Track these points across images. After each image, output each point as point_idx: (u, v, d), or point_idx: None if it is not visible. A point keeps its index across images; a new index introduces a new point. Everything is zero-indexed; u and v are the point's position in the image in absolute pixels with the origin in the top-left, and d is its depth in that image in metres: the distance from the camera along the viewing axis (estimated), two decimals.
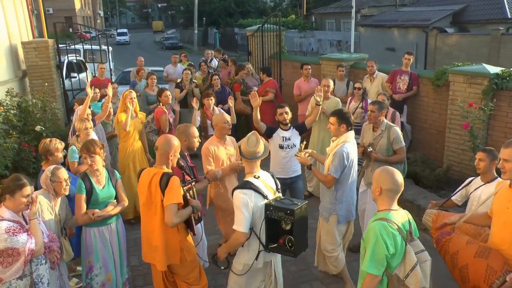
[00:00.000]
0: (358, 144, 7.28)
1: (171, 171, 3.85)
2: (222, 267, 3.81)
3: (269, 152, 4.25)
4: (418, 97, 8.18)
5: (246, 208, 3.50)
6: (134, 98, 6.47)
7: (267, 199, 3.57)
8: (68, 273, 4.95)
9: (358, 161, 5.90)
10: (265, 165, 5.84)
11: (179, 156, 4.01)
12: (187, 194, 3.91)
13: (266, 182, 3.69)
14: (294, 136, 5.66)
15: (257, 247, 3.66)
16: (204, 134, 7.39)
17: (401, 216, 3.10)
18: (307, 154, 4.91)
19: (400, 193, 3.10)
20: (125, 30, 56.82)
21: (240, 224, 3.52)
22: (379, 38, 23.76)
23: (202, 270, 4.24)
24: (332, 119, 4.73)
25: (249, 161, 3.72)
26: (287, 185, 5.72)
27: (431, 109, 7.98)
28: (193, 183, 4.25)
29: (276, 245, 3.59)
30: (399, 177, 3.09)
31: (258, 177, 3.67)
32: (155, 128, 7.23)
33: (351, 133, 4.75)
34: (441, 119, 7.76)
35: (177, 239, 3.87)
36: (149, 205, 3.82)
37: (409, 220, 3.16)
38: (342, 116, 4.69)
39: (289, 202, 3.58)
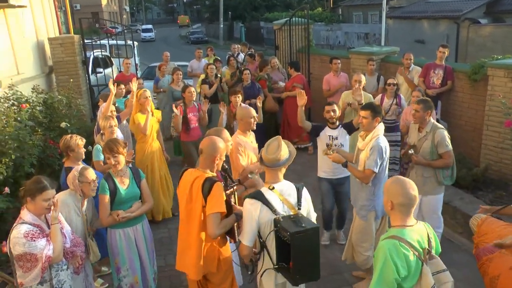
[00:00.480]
0: (395, 141, 7.11)
1: (215, 175, 3.60)
2: (249, 272, 3.57)
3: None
4: (453, 93, 7.80)
5: (250, 221, 3.24)
6: (149, 97, 6.32)
7: (277, 214, 3.19)
8: (93, 274, 4.89)
9: (392, 158, 5.69)
10: (314, 166, 5.71)
11: (224, 159, 3.76)
12: (230, 199, 3.67)
13: (282, 195, 3.28)
14: (342, 136, 5.45)
15: (268, 264, 3.33)
16: (230, 133, 7.18)
17: (417, 233, 2.80)
18: (335, 152, 4.72)
19: (414, 206, 2.80)
20: (150, 26, 54.26)
21: (244, 236, 3.30)
22: (408, 30, 23.13)
23: (235, 279, 4.03)
24: (365, 113, 4.54)
25: (270, 169, 3.34)
26: (334, 187, 5.59)
27: (467, 105, 7.61)
28: (235, 186, 3.97)
29: (281, 265, 3.23)
30: (412, 189, 2.77)
31: (273, 188, 3.28)
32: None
33: (382, 126, 4.59)
34: (478, 116, 7.39)
35: (215, 248, 3.66)
36: (189, 210, 3.59)
37: (428, 235, 2.86)
38: (375, 110, 4.54)
39: (296, 223, 3.10)
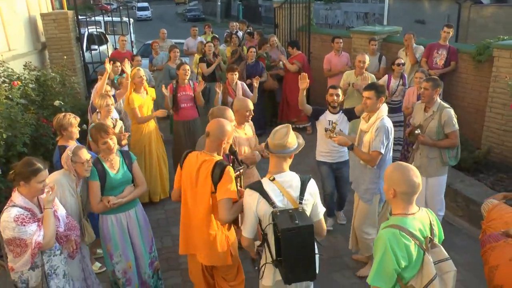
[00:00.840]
0: (398, 122, 6.97)
1: (222, 158, 3.47)
2: (255, 267, 3.42)
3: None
4: (456, 74, 7.64)
5: (249, 212, 3.09)
6: (143, 75, 6.16)
7: (274, 207, 2.99)
8: (90, 256, 4.79)
9: (396, 139, 5.57)
10: (313, 146, 5.67)
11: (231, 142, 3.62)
12: (237, 184, 3.53)
13: (283, 187, 3.03)
14: (342, 122, 5.33)
15: (268, 258, 3.16)
16: None
17: (419, 221, 2.69)
18: (338, 135, 4.56)
19: (417, 193, 2.67)
20: (146, 4, 50.86)
21: (244, 227, 3.16)
22: (408, 10, 22.80)
23: (241, 266, 3.94)
24: (369, 93, 4.39)
25: (275, 156, 3.09)
26: (333, 171, 5.50)
27: (470, 86, 7.46)
28: (242, 170, 3.81)
29: (279, 260, 3.04)
30: (416, 176, 2.64)
31: (273, 179, 3.04)
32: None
33: (385, 107, 4.46)
34: (481, 97, 7.25)
35: (222, 236, 3.56)
36: (194, 194, 3.47)
37: (431, 223, 2.74)
38: (378, 90, 4.39)
39: (291, 219, 2.90)
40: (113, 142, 3.92)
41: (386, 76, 7.13)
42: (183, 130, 6.63)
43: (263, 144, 4.44)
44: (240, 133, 4.73)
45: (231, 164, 3.68)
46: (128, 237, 4.05)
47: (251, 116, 4.76)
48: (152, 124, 6.34)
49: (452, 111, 4.92)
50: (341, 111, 5.38)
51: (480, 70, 7.21)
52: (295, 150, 3.11)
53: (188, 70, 6.61)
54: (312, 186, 3.10)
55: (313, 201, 3.09)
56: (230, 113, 4.17)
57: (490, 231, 3.46)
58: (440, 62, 7.52)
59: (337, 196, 5.76)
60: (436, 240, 2.76)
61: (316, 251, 3.11)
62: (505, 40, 6.90)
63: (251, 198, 3.05)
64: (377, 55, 8.28)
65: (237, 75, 7.01)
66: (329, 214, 5.71)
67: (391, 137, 4.40)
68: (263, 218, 3.04)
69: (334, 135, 4.52)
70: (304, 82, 5.15)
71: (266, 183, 3.05)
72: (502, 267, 3.07)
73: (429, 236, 2.68)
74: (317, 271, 3.15)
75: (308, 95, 9.77)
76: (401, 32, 9.36)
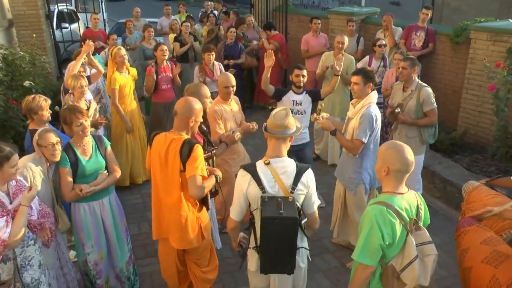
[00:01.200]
0: (380, 103, 6.94)
1: (190, 137, 3.42)
2: (241, 259, 3.29)
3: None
4: (433, 55, 7.66)
5: (238, 193, 3.00)
6: (125, 55, 5.95)
7: (264, 192, 2.89)
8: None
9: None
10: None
11: (202, 121, 3.56)
12: (208, 164, 3.51)
13: (277, 173, 2.92)
14: (305, 102, 5.28)
15: (253, 243, 3.10)
16: None
17: (407, 201, 2.69)
18: (324, 119, 4.45)
19: (408, 173, 2.67)
20: None
21: (232, 208, 3.07)
22: None
23: (214, 251, 3.89)
24: (357, 78, 4.29)
25: (274, 138, 2.98)
26: (294, 153, 5.34)
27: (448, 68, 7.49)
28: (214, 151, 3.80)
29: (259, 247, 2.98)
30: (410, 154, 2.65)
31: (268, 163, 2.94)
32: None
33: (375, 94, 4.35)
34: (457, 79, 7.30)
35: (193, 218, 3.47)
36: (164, 176, 3.38)
37: (418, 205, 2.75)
38: (367, 75, 4.28)
39: (277, 207, 2.80)
40: (87, 124, 3.73)
41: (367, 57, 7.08)
42: (164, 112, 6.57)
43: (253, 123, 4.34)
44: (226, 108, 4.70)
45: (208, 144, 3.70)
46: (101, 226, 3.89)
47: (233, 91, 4.72)
48: (134, 104, 6.18)
49: (430, 90, 5.00)
50: (305, 92, 5.32)
51: (457, 52, 7.23)
52: (295, 133, 3.02)
53: (166, 50, 6.53)
54: (308, 176, 2.98)
55: (307, 192, 2.97)
56: (205, 89, 4.14)
57: (469, 213, 3.47)
58: (418, 43, 7.53)
59: None
60: (421, 223, 2.76)
61: (303, 246, 3.07)
62: (481, 22, 6.91)
63: (243, 179, 2.97)
64: (355, 36, 8.23)
65: (214, 56, 6.86)
66: None
67: (376, 126, 4.26)
68: (252, 201, 2.97)
69: (320, 118, 4.44)
70: (270, 60, 5.01)
71: (260, 166, 2.96)
72: (472, 249, 3.09)
73: (414, 218, 2.68)
74: (303, 265, 3.11)
75: (284, 76, 9.68)
76: (378, 14, 9.30)
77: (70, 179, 3.65)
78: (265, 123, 3.04)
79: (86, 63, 5.93)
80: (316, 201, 3.05)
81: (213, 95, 6.86)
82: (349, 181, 4.46)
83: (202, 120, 3.56)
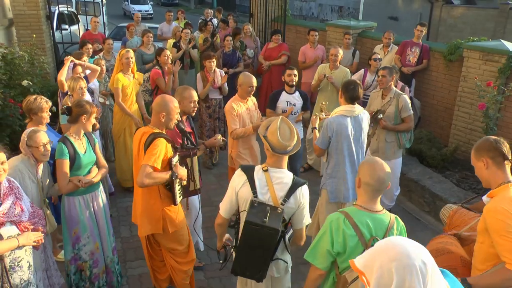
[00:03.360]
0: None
1: (162, 132, 3.59)
2: (220, 261, 3.32)
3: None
4: (427, 72, 7.77)
5: (231, 190, 3.06)
6: (132, 58, 6.03)
7: (255, 196, 2.93)
8: (54, 244, 4.66)
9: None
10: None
11: (179, 119, 3.73)
12: (175, 159, 3.61)
13: (272, 182, 2.94)
14: (298, 102, 5.68)
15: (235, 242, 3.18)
16: (204, 99, 6.95)
17: (373, 219, 2.63)
18: (321, 119, 4.69)
19: (382, 191, 2.67)
20: None
21: (222, 205, 3.14)
22: (382, 6, 23.01)
23: (192, 245, 4.02)
24: (340, 91, 4.53)
25: (274, 154, 2.99)
26: None
27: (441, 84, 7.60)
28: (195, 150, 3.92)
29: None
30: (382, 172, 2.61)
31: (266, 169, 2.98)
32: (150, 88, 6.87)
33: (350, 107, 4.41)
34: (450, 96, 7.41)
35: (159, 206, 3.65)
36: (137, 166, 3.61)
37: (390, 227, 2.64)
38: (344, 88, 4.43)
39: (263, 215, 2.82)
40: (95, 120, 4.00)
41: (362, 71, 7.19)
42: None
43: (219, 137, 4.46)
44: (242, 107, 5.06)
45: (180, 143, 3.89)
46: (94, 218, 4.02)
47: (253, 91, 5.07)
48: (134, 107, 6.23)
49: (407, 97, 5.36)
50: (297, 91, 5.71)
51: (451, 69, 7.35)
52: (296, 147, 3.04)
53: (169, 55, 6.76)
54: (303, 192, 2.99)
55: (298, 208, 2.99)
56: (191, 92, 4.22)
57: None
58: (413, 59, 7.63)
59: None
60: None
61: (282, 258, 3.12)
62: (475, 41, 7.03)
63: (238, 179, 3.04)
64: (351, 49, 8.32)
65: (215, 62, 6.95)
66: None
67: (332, 134, 4.35)
68: (241, 202, 3.02)
69: (323, 115, 4.70)
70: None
71: (257, 170, 3.01)
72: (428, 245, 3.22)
73: (376, 237, 2.61)
74: (277, 275, 3.16)
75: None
76: (376, 28, 9.43)
77: (68, 171, 3.74)
78: (268, 140, 2.99)
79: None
80: (306, 218, 3.06)
81: (214, 102, 6.97)
82: (321, 181, 4.70)
83: (179, 119, 3.75)
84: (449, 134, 7.28)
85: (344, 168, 4.45)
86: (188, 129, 4.24)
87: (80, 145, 3.87)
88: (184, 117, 4.30)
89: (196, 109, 4.30)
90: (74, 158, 3.78)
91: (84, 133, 3.96)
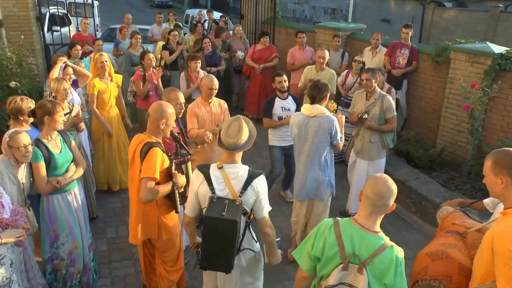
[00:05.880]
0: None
1: (158, 140, 3.56)
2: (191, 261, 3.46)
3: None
4: (416, 73, 7.81)
5: (191, 190, 3.17)
6: (107, 61, 5.99)
7: (213, 193, 3.03)
8: (39, 244, 4.64)
9: (347, 135, 5.76)
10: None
11: (174, 125, 3.70)
12: (173, 167, 3.60)
13: (228, 178, 3.05)
14: (292, 106, 5.75)
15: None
16: (187, 99, 6.96)
17: (362, 238, 2.50)
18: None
19: (381, 209, 2.52)
20: None
21: (187, 205, 3.23)
22: (374, 8, 23.16)
23: (181, 253, 3.99)
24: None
25: (225, 151, 3.11)
26: (284, 152, 5.90)
27: (429, 86, 7.65)
28: (188, 156, 3.89)
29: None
30: (384, 187, 2.48)
31: (221, 167, 3.08)
32: (135, 90, 6.83)
33: (307, 105, 4.54)
34: (437, 98, 7.45)
35: (155, 214, 3.62)
36: (131, 175, 3.60)
37: (377, 251, 2.48)
38: (311, 88, 4.56)
39: (221, 208, 2.92)
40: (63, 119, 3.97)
41: (345, 72, 7.24)
42: None
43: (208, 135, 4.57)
44: (204, 108, 5.02)
45: (175, 151, 3.84)
46: (75, 216, 4.05)
47: (213, 93, 5.02)
48: (114, 111, 6.16)
49: (391, 98, 5.43)
50: (289, 96, 5.80)
51: (438, 71, 7.39)
52: (248, 144, 3.13)
53: (152, 58, 6.68)
54: (259, 182, 3.08)
55: (256, 197, 3.07)
56: (176, 94, 4.24)
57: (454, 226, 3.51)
58: (402, 61, 7.65)
59: (285, 174, 6.21)
60: (368, 272, 2.49)
61: (249, 247, 3.20)
62: (462, 43, 7.09)
63: (196, 178, 3.13)
64: (340, 51, 8.35)
65: (200, 64, 7.01)
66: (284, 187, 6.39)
67: (290, 130, 4.70)
68: (202, 200, 3.11)
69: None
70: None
71: (213, 168, 3.11)
72: (428, 245, 3.23)
73: (359, 258, 2.49)
74: (247, 264, 3.23)
75: None
76: (365, 30, 9.47)
77: (45, 172, 3.77)
78: (218, 135, 3.11)
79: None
80: (266, 207, 3.15)
81: None
82: None
83: (174, 125, 3.70)
84: (437, 135, 7.33)
85: (300, 167, 4.68)
86: (176, 130, 4.27)
87: (54, 145, 3.88)
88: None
89: (182, 111, 4.33)
90: (50, 159, 3.80)
91: (58, 132, 3.97)
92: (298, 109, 5.75)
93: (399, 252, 2.54)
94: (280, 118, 5.67)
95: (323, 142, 4.47)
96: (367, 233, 2.52)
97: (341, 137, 4.56)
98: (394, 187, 2.53)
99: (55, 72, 5.58)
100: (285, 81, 5.66)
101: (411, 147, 6.97)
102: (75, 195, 4.06)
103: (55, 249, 3.96)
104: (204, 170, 3.10)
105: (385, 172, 5.87)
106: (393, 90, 6.48)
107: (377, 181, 2.52)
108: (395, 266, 2.49)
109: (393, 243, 2.55)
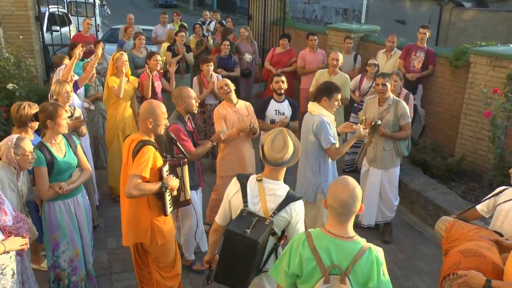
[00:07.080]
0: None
1: (150, 139, 3.65)
2: (204, 282, 3.39)
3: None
4: (432, 78, 7.77)
5: (226, 197, 3.18)
6: (126, 61, 6.09)
7: (245, 206, 3.01)
8: (38, 252, 4.70)
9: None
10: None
11: (167, 124, 3.82)
12: (166, 168, 3.68)
13: (264, 193, 3.00)
14: (288, 111, 5.71)
15: None
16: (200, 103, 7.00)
17: (337, 246, 2.49)
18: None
19: (348, 215, 2.51)
20: None
21: (219, 212, 3.25)
22: (388, 8, 23.12)
23: (178, 260, 4.05)
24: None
25: (268, 165, 3.05)
26: None
27: (447, 91, 7.61)
28: (185, 159, 3.96)
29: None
30: (347, 195, 2.46)
31: (261, 179, 3.05)
32: (140, 95, 6.85)
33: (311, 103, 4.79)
34: (456, 104, 7.40)
35: (148, 217, 3.68)
36: (124, 174, 3.67)
37: (357, 260, 2.46)
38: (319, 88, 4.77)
39: (247, 225, 2.88)
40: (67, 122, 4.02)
41: (359, 76, 7.22)
42: None
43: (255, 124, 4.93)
44: (230, 110, 5.18)
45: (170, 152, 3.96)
46: (76, 223, 4.07)
47: (229, 90, 5.18)
48: (128, 112, 6.27)
49: (405, 104, 5.43)
50: (286, 100, 5.76)
51: (457, 76, 7.34)
52: (293, 160, 3.08)
53: (159, 60, 6.75)
54: (296, 207, 3.00)
55: (290, 222, 3.01)
56: (188, 90, 4.47)
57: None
58: (417, 65, 7.56)
59: None
60: (350, 281, 2.47)
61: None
62: (482, 46, 7.05)
63: (233, 187, 3.15)
64: (353, 54, 8.30)
65: (213, 66, 7.07)
66: None
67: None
68: (233, 210, 3.11)
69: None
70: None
71: (251, 179, 3.10)
72: (460, 244, 3.23)
73: (340, 268, 2.47)
74: (270, 287, 3.19)
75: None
76: (379, 31, 9.46)
77: (47, 177, 3.81)
78: (263, 151, 3.05)
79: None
80: (300, 229, 3.06)
81: (209, 107, 7.01)
82: None
83: (168, 125, 3.83)
84: (455, 143, 7.28)
85: (300, 169, 4.84)
86: (190, 129, 4.55)
87: (58, 149, 3.91)
88: (187, 116, 4.56)
89: (197, 105, 4.55)
90: (53, 163, 3.83)
91: (63, 135, 4.01)
92: (294, 115, 5.75)
93: (379, 252, 2.54)
94: (272, 122, 5.63)
95: (312, 142, 4.60)
96: (342, 240, 2.51)
97: (331, 143, 4.54)
98: (356, 190, 2.50)
99: (70, 69, 5.69)
100: (282, 82, 5.62)
101: (428, 155, 6.93)
102: (78, 201, 4.08)
103: (56, 258, 4.00)
104: (242, 180, 3.10)
105: (400, 182, 5.88)
106: (411, 95, 6.45)
107: (337, 189, 2.50)
108: (377, 267, 2.49)
109: (371, 244, 2.54)
